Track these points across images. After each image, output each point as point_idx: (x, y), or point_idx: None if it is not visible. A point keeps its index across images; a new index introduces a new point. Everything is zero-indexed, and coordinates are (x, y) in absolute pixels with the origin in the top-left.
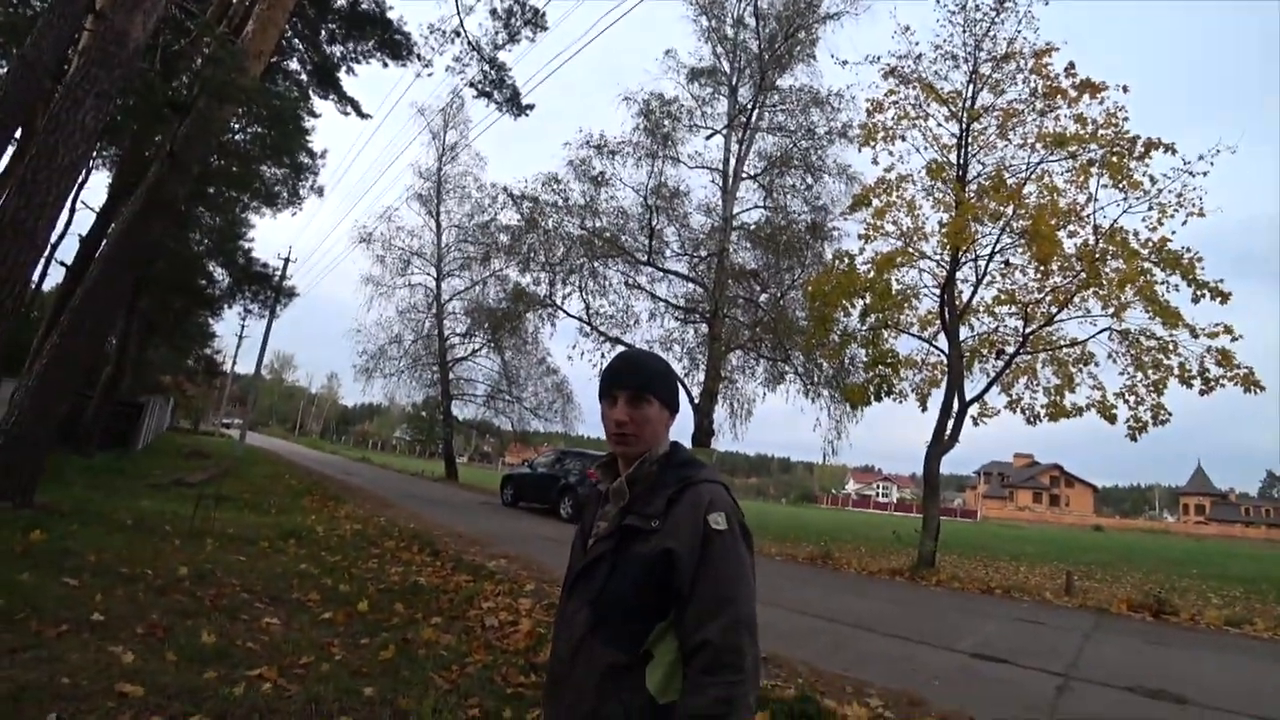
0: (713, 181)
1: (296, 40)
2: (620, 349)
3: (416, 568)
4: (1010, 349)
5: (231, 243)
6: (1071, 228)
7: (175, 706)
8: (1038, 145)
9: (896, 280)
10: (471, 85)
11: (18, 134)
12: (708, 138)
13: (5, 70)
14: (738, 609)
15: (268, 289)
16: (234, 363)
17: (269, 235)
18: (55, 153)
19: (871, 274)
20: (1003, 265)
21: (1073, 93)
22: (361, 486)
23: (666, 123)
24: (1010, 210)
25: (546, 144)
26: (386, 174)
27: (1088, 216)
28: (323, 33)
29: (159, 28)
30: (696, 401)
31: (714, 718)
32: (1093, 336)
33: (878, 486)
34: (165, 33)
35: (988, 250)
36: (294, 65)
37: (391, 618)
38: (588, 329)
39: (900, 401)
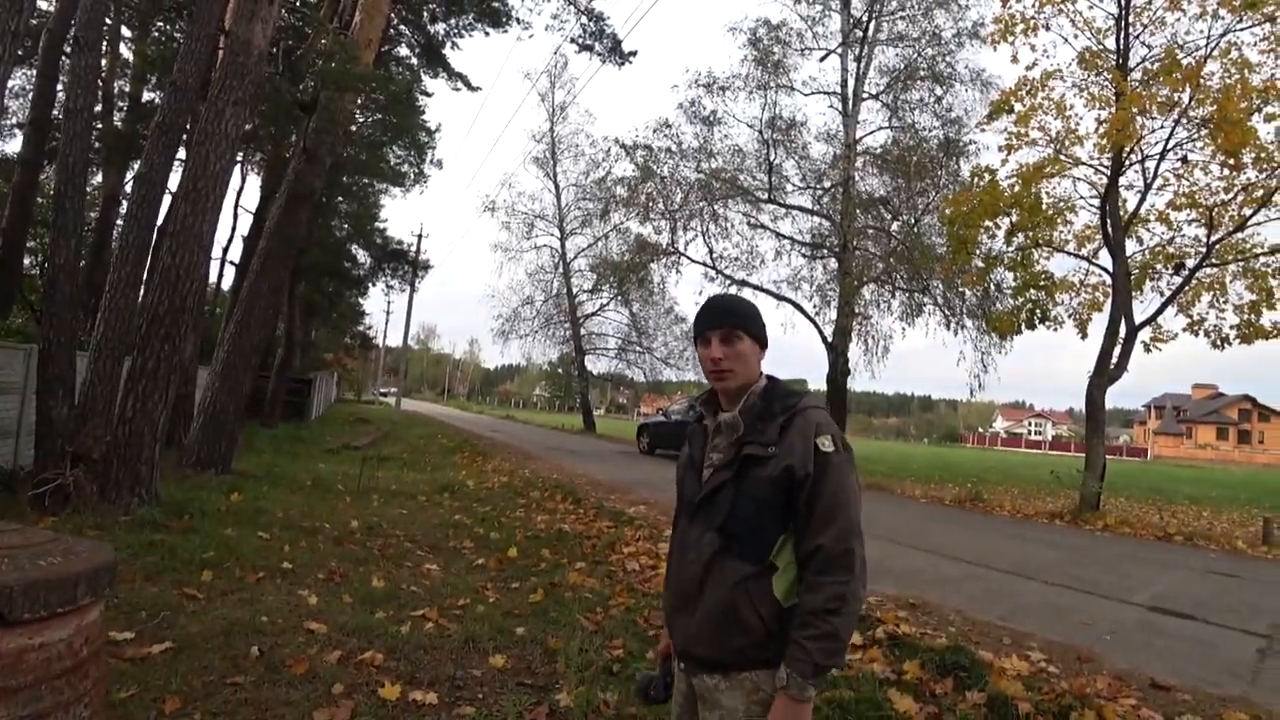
0: (831, 107)
1: (402, 26)
2: (747, 291)
3: (561, 515)
4: (1191, 262)
5: (369, 225)
6: (1270, 109)
7: (353, 642)
8: (1221, 10)
9: (1047, 193)
10: (572, 41)
11: (181, 154)
12: (822, 59)
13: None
14: (848, 517)
15: (405, 264)
16: (384, 336)
17: (401, 214)
18: (208, 161)
19: (1017, 188)
20: (1179, 163)
21: None
22: (506, 442)
23: (776, 49)
24: (1186, 96)
25: (656, 90)
26: (503, 143)
27: None
28: (425, 13)
29: (278, 35)
30: (830, 340)
31: (830, 611)
32: None
33: (1029, 423)
34: (286, 39)
35: (1158, 148)
36: (403, 51)
37: (539, 563)
38: (713, 273)
39: (1055, 329)
